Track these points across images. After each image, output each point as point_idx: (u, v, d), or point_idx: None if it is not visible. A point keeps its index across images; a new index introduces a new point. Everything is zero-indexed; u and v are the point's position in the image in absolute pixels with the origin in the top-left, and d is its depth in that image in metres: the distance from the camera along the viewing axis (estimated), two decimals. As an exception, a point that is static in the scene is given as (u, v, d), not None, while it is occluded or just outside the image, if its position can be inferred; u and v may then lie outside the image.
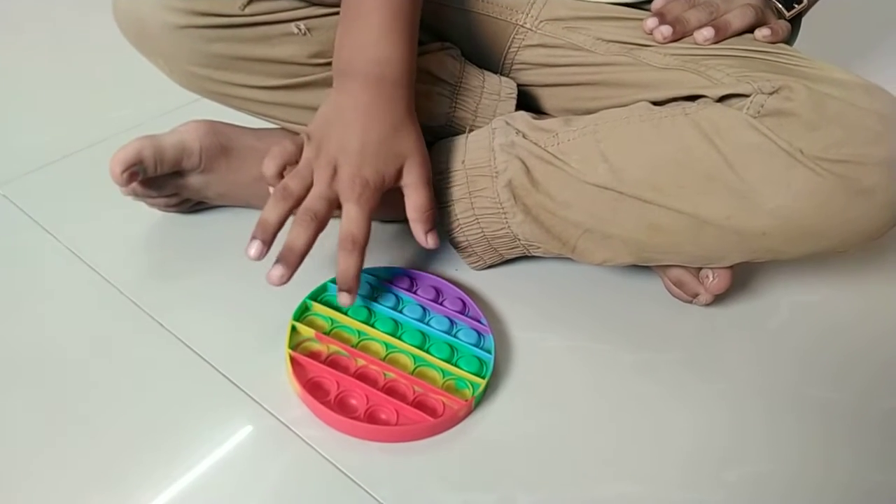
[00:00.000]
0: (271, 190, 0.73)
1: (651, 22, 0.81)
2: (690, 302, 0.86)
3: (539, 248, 0.83)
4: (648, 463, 0.72)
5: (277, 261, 0.69)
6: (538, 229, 0.80)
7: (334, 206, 0.73)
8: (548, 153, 0.78)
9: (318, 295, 0.81)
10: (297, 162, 0.74)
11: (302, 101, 0.83)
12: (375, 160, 0.74)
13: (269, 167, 0.74)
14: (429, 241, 0.78)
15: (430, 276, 0.85)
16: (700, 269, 0.83)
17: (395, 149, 0.75)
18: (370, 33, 0.74)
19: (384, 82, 0.74)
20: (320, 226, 0.71)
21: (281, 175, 0.74)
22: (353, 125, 0.73)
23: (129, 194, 0.86)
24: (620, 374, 0.80)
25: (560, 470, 0.71)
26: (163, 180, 0.85)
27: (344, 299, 0.74)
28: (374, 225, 0.75)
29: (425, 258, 0.90)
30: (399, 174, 0.76)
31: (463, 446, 0.71)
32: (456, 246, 0.86)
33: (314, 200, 0.71)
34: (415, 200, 0.77)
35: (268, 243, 0.70)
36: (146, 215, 0.91)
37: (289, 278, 0.70)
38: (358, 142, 0.73)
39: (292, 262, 0.70)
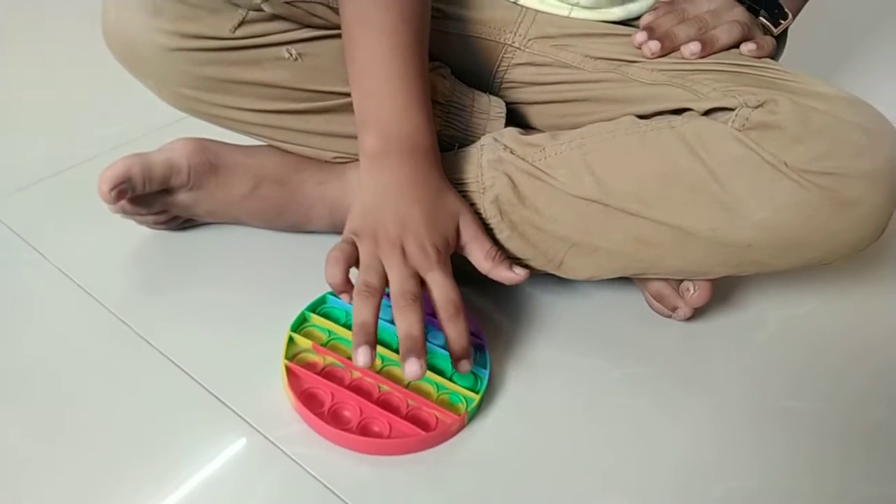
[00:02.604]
0: (345, 298, 0.73)
1: (640, 36, 0.84)
2: (670, 316, 0.89)
3: (525, 265, 0.85)
4: (638, 478, 0.74)
5: (406, 356, 0.69)
6: (525, 245, 0.83)
7: (420, 281, 0.73)
8: (535, 168, 0.81)
9: (316, 306, 0.83)
10: (355, 260, 0.74)
11: (293, 125, 0.86)
12: (436, 225, 0.75)
13: (335, 276, 0.72)
14: (519, 273, 0.78)
15: (428, 289, 0.87)
16: (681, 282, 0.86)
17: (448, 209, 0.77)
18: (394, 103, 0.76)
19: (418, 152, 0.76)
20: (420, 303, 0.72)
21: (347, 280, 0.73)
22: (402, 200, 0.75)
23: (117, 212, 0.87)
24: (610, 390, 0.83)
25: (550, 486, 0.73)
26: (151, 198, 0.87)
27: (465, 367, 0.74)
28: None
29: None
30: (458, 233, 0.78)
31: (454, 463, 0.73)
32: None
33: (402, 283, 0.72)
34: (480, 251, 0.78)
35: (373, 345, 0.69)
36: (135, 233, 0.93)
37: (425, 366, 0.69)
38: (416, 213, 0.74)
39: (420, 349, 0.69)
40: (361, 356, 0.68)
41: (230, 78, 0.81)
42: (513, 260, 0.84)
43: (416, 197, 0.75)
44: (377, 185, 0.76)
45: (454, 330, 0.74)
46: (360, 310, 0.70)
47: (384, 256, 0.73)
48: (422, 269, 0.74)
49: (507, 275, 0.78)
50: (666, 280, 0.87)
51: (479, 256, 0.78)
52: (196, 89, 0.82)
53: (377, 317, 0.70)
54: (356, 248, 0.74)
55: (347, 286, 0.73)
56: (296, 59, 0.82)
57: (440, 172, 0.79)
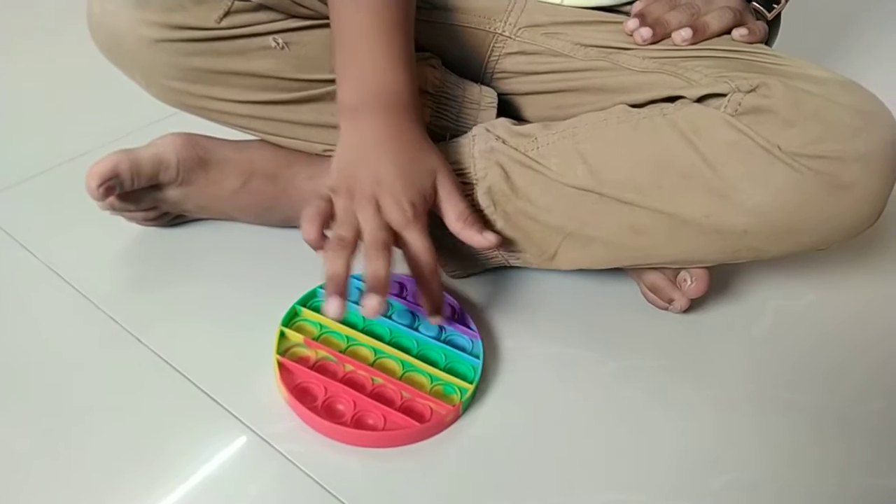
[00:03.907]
0: (321, 253, 0.74)
1: (632, 23, 0.85)
2: (666, 308, 0.89)
3: (518, 258, 0.86)
4: (636, 471, 0.75)
5: (369, 292, 0.70)
6: (519, 236, 0.83)
7: (393, 234, 0.74)
8: (527, 157, 0.81)
9: (307, 301, 0.84)
10: (331, 216, 0.75)
11: (281, 116, 0.86)
12: (412, 181, 0.76)
13: (310, 232, 0.74)
14: (489, 238, 0.78)
15: (420, 281, 0.88)
16: (677, 274, 0.87)
17: (425, 165, 0.77)
18: (372, 64, 0.76)
19: (396, 110, 0.77)
20: (391, 253, 0.72)
21: (322, 236, 0.74)
22: (379, 157, 0.75)
23: (106, 209, 0.88)
24: (606, 382, 0.83)
25: (546, 477, 0.73)
26: (140, 194, 0.88)
27: (437, 321, 0.79)
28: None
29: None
30: (435, 190, 0.78)
31: (449, 454, 0.74)
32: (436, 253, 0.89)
33: (375, 233, 0.73)
34: (454, 210, 0.78)
35: (344, 296, 0.70)
36: (124, 230, 0.93)
37: (385, 304, 0.70)
38: (391, 169, 0.75)
39: (382, 289, 0.70)
40: (332, 306, 0.69)
41: (216, 69, 0.82)
42: (506, 253, 0.86)
43: (392, 155, 0.76)
44: (354, 141, 0.77)
45: (428, 288, 0.76)
46: (332, 262, 0.71)
47: (358, 210, 0.74)
48: (397, 224, 0.74)
49: (477, 238, 0.78)
50: (661, 271, 0.87)
51: (452, 217, 0.78)
52: (183, 81, 0.82)
53: (349, 270, 0.71)
54: (332, 204, 0.75)
55: (323, 242, 0.74)
56: (282, 47, 0.82)
57: (419, 128, 0.79)
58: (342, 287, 0.70)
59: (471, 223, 0.78)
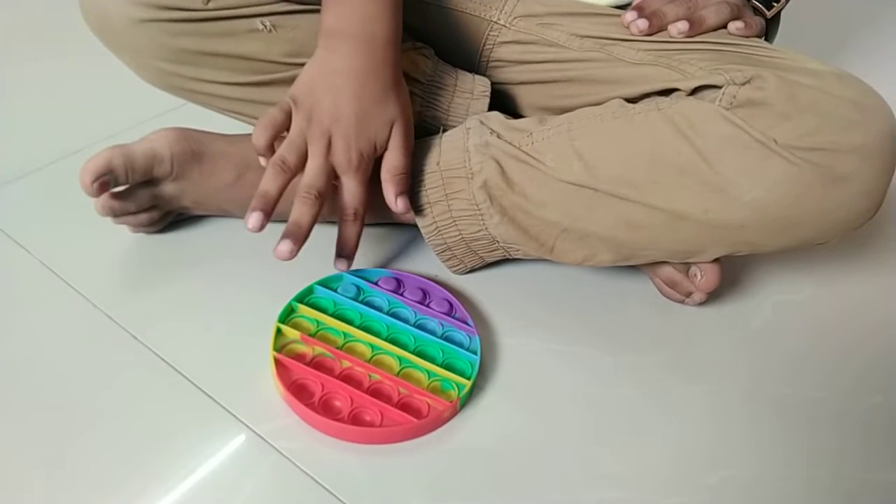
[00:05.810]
0: (263, 161, 0.77)
1: (629, 15, 0.86)
2: (683, 302, 0.90)
3: (518, 249, 0.87)
4: (633, 468, 0.76)
5: (285, 236, 0.74)
6: (515, 230, 0.84)
7: (332, 178, 0.77)
8: (522, 152, 0.82)
9: (303, 297, 0.85)
10: (286, 129, 0.77)
11: (270, 98, 0.87)
12: (368, 129, 0.78)
13: (260, 139, 0.77)
14: (398, 205, 0.82)
15: (417, 277, 0.89)
16: (689, 268, 0.87)
17: (386, 114, 0.80)
18: None
19: (375, 42, 0.78)
20: (323, 201, 0.76)
21: (271, 146, 0.77)
22: (344, 92, 0.77)
23: (107, 214, 0.88)
24: (604, 378, 0.84)
25: (543, 473, 0.74)
26: (137, 191, 0.88)
27: (342, 265, 0.85)
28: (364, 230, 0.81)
29: (412, 260, 0.94)
30: (389, 139, 0.81)
31: (445, 453, 0.75)
32: (435, 249, 0.90)
33: (314, 176, 0.76)
34: (390, 161, 0.81)
35: (268, 214, 0.73)
36: (121, 228, 0.93)
37: (296, 253, 0.74)
38: (351, 111, 0.77)
39: (300, 237, 0.74)
40: (253, 220, 0.74)
41: (204, 50, 0.83)
42: (505, 246, 0.87)
43: (357, 94, 0.78)
44: (327, 66, 0.79)
45: (346, 231, 0.83)
46: (268, 180, 0.75)
47: (311, 141, 0.77)
48: (340, 169, 0.79)
49: (389, 197, 0.83)
50: (676, 266, 0.88)
51: (387, 165, 0.83)
52: (171, 62, 0.84)
53: (282, 192, 0.76)
54: (289, 118, 0.78)
55: (269, 153, 0.77)
56: (270, 30, 0.84)
57: (394, 71, 0.81)
58: (269, 206, 0.75)
59: (397, 181, 0.82)
